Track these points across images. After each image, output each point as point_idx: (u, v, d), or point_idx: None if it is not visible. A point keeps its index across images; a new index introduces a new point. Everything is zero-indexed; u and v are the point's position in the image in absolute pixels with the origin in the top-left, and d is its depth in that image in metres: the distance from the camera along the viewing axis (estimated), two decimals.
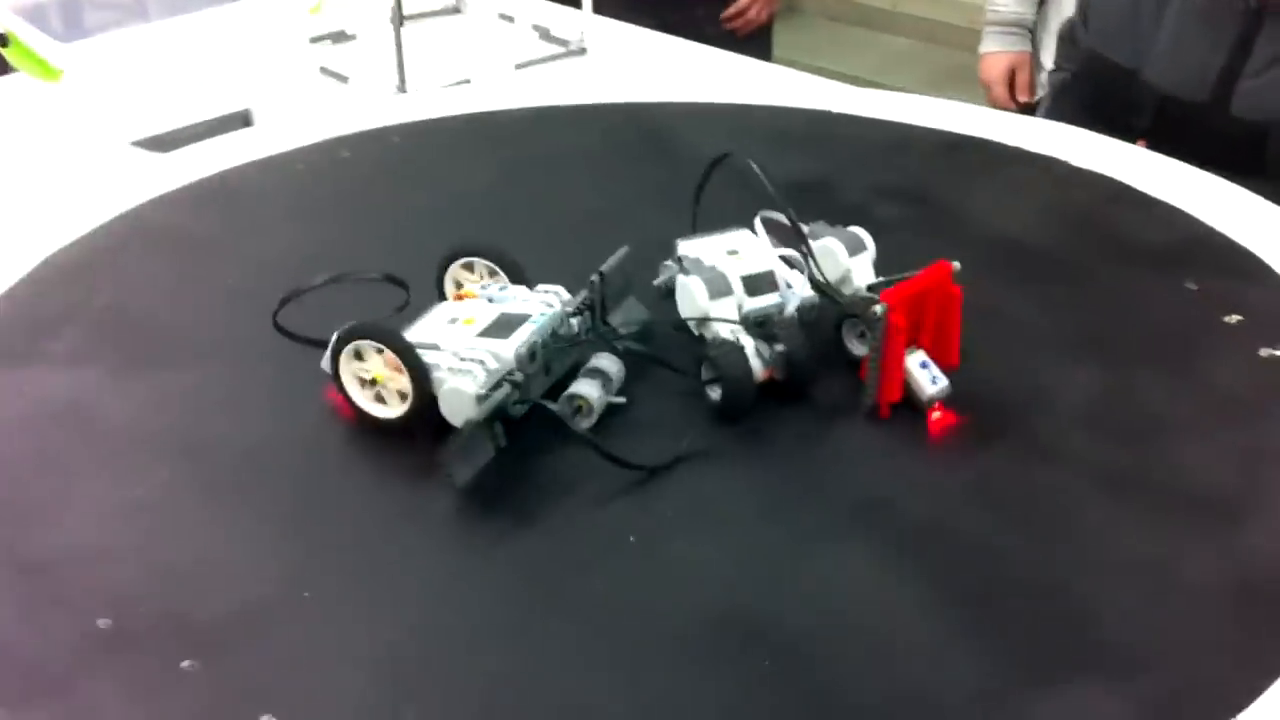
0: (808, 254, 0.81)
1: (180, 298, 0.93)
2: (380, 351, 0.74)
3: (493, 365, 0.73)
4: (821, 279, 0.81)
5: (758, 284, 0.79)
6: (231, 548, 0.68)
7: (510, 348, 0.74)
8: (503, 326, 0.76)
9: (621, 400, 0.78)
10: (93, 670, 0.60)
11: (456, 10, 1.76)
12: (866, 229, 0.83)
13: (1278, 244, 0.92)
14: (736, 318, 0.78)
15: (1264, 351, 0.81)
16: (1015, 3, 1.99)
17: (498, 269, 0.83)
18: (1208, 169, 1.05)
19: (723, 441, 0.75)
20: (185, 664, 0.60)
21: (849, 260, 0.81)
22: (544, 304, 0.78)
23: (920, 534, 0.68)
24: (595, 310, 0.80)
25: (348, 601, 0.65)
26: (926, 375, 0.76)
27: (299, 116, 1.23)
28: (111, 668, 0.61)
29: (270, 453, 0.76)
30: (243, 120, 1.37)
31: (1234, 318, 0.84)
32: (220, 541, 0.69)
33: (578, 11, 1.60)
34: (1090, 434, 0.75)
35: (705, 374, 0.77)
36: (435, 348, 0.74)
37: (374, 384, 0.75)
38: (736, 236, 0.84)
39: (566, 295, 0.80)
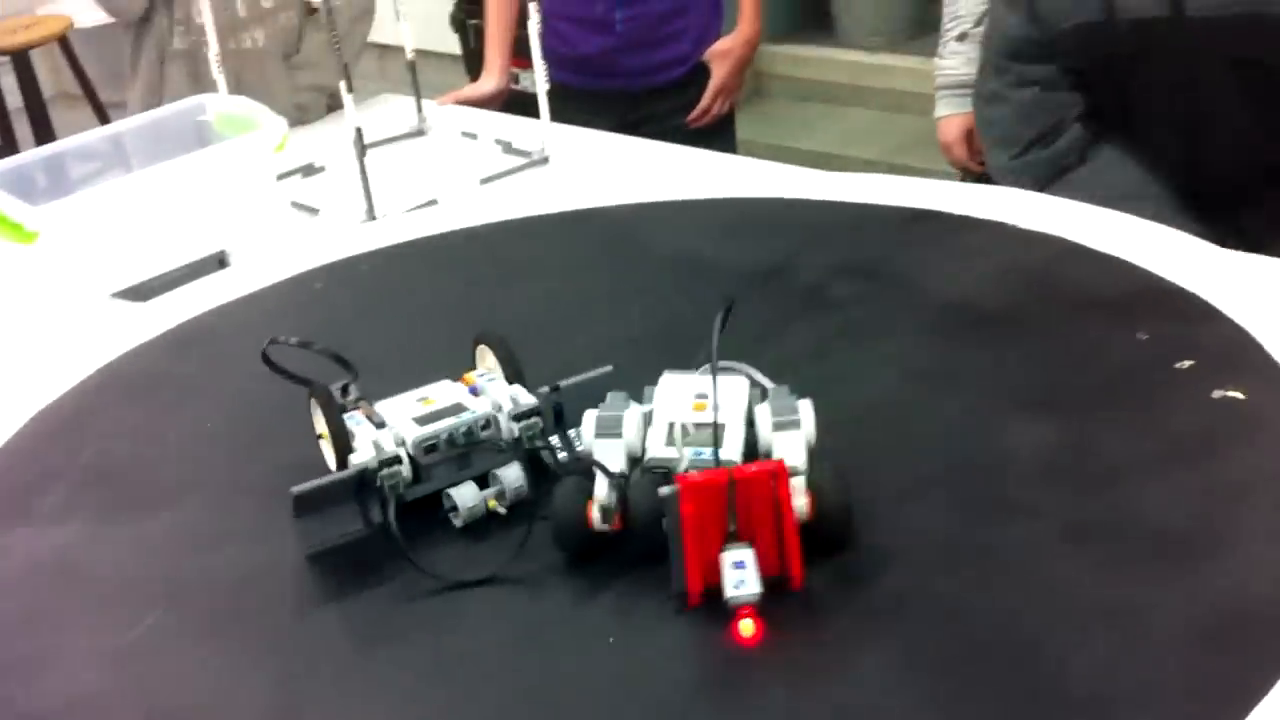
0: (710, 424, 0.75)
1: (161, 443, 0.95)
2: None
3: (389, 448, 0.78)
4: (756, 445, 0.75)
5: (671, 435, 0.75)
6: (218, 686, 0.70)
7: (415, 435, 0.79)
8: (439, 415, 0.80)
9: (502, 511, 0.79)
10: None
11: (421, 133, 1.80)
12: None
13: (1223, 287, 0.94)
14: (621, 461, 0.75)
15: (1216, 393, 0.82)
16: (963, 64, 2.01)
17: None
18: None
19: None
20: None
21: (770, 435, 0.74)
22: (493, 403, 0.81)
23: (888, 604, 0.70)
24: (547, 420, 0.82)
25: None
26: (734, 576, 0.67)
27: (273, 253, 1.26)
28: None
29: (252, 587, 0.77)
30: (219, 262, 1.40)
31: (1185, 363, 0.86)
32: (207, 681, 0.70)
33: (538, 122, 1.63)
34: (1051, 487, 0.77)
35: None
36: (380, 420, 0.81)
37: (321, 438, 0.84)
38: (719, 381, 0.75)
39: (526, 399, 0.82)
